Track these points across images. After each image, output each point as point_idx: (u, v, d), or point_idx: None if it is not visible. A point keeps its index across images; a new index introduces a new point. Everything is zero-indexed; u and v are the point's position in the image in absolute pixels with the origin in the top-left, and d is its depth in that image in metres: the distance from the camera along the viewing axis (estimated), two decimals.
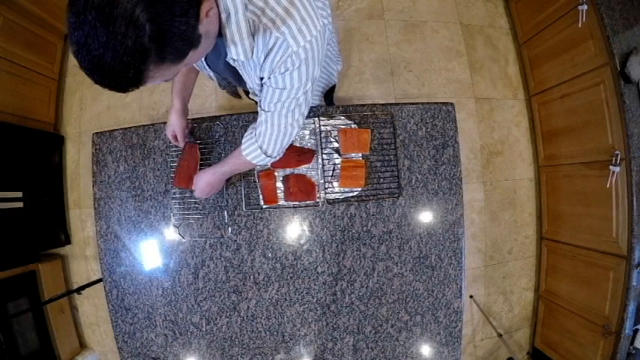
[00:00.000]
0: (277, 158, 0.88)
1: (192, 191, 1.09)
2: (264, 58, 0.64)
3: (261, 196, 1.14)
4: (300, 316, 1.17)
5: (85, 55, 0.45)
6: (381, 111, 1.17)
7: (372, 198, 1.15)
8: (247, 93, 0.83)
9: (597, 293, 1.72)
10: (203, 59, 0.80)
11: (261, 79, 0.70)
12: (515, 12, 2.19)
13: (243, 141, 0.86)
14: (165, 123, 1.18)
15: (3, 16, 1.82)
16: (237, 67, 0.72)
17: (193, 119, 1.17)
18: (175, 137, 1.08)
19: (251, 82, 0.75)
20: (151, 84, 0.53)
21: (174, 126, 1.06)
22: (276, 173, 1.14)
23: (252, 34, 0.61)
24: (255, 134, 0.82)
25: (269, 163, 0.92)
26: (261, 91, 0.74)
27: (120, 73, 0.47)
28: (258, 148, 0.83)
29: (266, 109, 0.75)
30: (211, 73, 0.88)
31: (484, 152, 2.22)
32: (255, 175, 1.14)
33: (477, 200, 2.20)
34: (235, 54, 0.64)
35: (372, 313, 1.18)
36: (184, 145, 1.10)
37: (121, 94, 2.43)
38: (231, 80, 0.92)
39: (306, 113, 0.77)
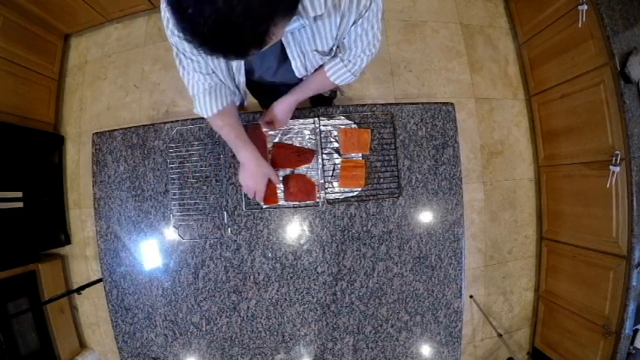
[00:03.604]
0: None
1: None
2: (348, 4, 0.67)
3: None
4: (300, 316, 1.17)
5: (210, 14, 0.40)
6: (381, 111, 1.17)
7: (372, 198, 1.15)
8: (273, 88, 0.95)
9: (597, 293, 1.72)
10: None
11: (336, 37, 0.75)
12: (515, 12, 2.19)
13: (326, 69, 0.90)
14: (166, 123, 1.18)
15: (3, 16, 1.82)
16: (292, 44, 0.76)
17: (192, 119, 1.17)
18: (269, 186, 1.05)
19: (321, 44, 0.77)
20: (267, 47, 0.50)
21: (266, 175, 1.02)
22: None
23: None
24: (344, 63, 0.87)
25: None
26: (330, 49, 0.81)
27: (251, 29, 0.43)
28: (347, 71, 0.89)
29: (359, 52, 0.82)
30: (242, 78, 0.89)
31: (484, 152, 2.22)
32: None
33: (476, 200, 2.20)
34: (312, 9, 0.64)
35: (372, 313, 1.18)
36: (248, 128, 1.07)
37: (120, 94, 2.40)
38: (271, 65, 0.90)
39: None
